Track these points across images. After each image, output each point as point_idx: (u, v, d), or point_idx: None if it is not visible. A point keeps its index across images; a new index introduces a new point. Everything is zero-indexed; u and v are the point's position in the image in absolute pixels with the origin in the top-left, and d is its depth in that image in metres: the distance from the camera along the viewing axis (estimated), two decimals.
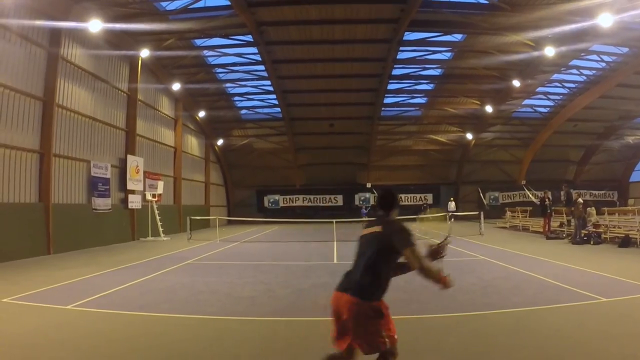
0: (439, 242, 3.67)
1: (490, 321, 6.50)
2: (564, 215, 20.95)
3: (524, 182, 41.73)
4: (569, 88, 32.52)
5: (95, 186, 19.82)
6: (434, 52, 27.43)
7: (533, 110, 37.10)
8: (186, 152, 32.51)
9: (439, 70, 30.69)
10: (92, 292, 8.90)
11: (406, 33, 24.45)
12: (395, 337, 3.63)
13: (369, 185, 42.55)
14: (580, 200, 18.51)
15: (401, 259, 3.53)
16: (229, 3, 20.78)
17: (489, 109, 32.95)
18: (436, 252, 3.65)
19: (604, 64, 28.28)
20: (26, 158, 15.96)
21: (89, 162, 19.62)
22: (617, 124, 37.75)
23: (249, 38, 24.58)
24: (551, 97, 34.40)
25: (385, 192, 3.97)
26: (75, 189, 18.83)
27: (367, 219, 35.33)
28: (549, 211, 20.81)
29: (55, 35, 17.11)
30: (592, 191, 41.37)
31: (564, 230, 20.43)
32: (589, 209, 18.46)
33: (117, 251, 17.47)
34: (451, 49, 27.27)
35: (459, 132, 39.48)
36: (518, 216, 28.53)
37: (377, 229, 3.64)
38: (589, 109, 33.42)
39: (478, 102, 34.10)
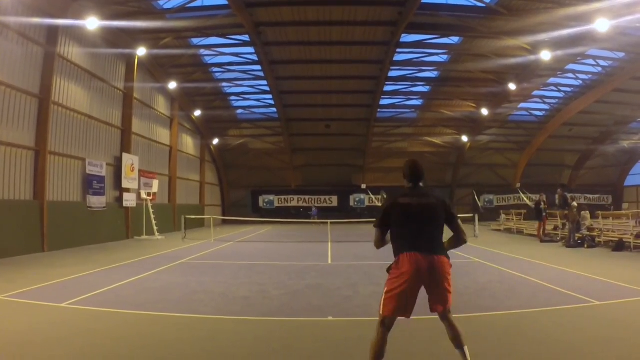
0: None
1: (484, 324, 6.51)
2: (559, 218, 21.02)
3: (518, 185, 41.88)
4: (564, 92, 32.72)
5: (91, 184, 19.77)
6: (431, 54, 27.50)
7: (529, 114, 37.29)
8: (182, 151, 32.47)
9: (436, 72, 30.77)
10: (86, 290, 8.87)
11: (403, 35, 24.50)
12: None
13: (364, 186, 42.62)
14: (575, 204, 18.57)
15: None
16: (226, 3, 20.78)
17: (484, 112, 33.10)
18: None
19: (600, 69, 28.46)
20: (21, 155, 15.92)
21: (85, 160, 19.59)
22: (613, 128, 37.95)
23: (246, 38, 24.59)
24: (547, 100, 34.58)
25: (417, 163, 4.37)
26: (70, 186, 18.78)
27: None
28: (544, 214, 20.86)
29: (53, 33, 17.09)
30: (586, 195, 41.59)
31: (558, 234, 20.50)
32: (583, 212, 18.53)
33: (111, 249, 17.42)
34: (448, 51, 27.34)
35: (454, 134, 39.59)
36: (512, 219, 28.61)
37: (431, 200, 4.13)
38: (584, 113, 33.62)
39: (474, 105, 34.21)
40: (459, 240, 4.22)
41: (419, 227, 4.01)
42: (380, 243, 4.27)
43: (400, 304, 3.91)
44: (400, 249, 4.02)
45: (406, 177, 4.33)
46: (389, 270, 4.07)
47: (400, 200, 4.13)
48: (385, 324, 3.97)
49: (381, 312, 3.98)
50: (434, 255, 3.94)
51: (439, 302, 3.99)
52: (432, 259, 3.92)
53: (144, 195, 24.18)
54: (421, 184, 4.31)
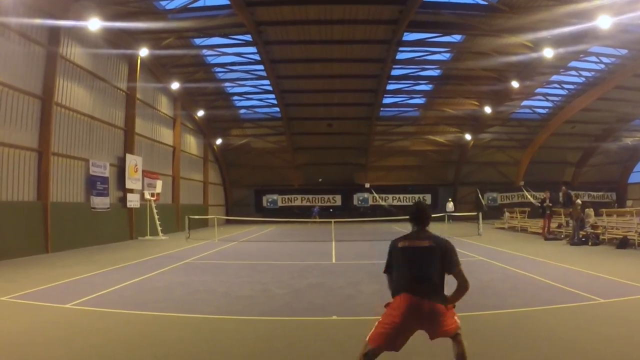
0: None
1: (488, 322, 6.51)
2: (563, 216, 20.97)
3: (522, 183, 41.79)
4: (567, 89, 32.56)
5: (94, 185, 19.79)
6: (433, 52, 27.43)
7: (531, 112, 37.14)
8: (185, 151, 32.49)
9: (438, 71, 30.70)
10: (90, 290, 8.91)
11: (405, 34, 24.46)
12: None
13: (367, 185, 42.61)
14: (579, 201, 18.54)
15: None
16: (228, 2, 20.75)
17: (487, 110, 32.98)
18: None
19: (602, 66, 28.35)
20: (25, 156, 15.94)
21: (88, 160, 19.60)
22: (615, 126, 37.80)
23: (247, 37, 24.58)
24: (550, 98, 34.43)
25: (422, 208, 4.25)
26: (73, 187, 18.80)
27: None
28: (548, 212, 20.78)
29: (55, 34, 17.07)
30: (590, 193, 41.49)
31: (562, 232, 20.46)
32: (587, 210, 18.48)
33: (115, 250, 17.46)
34: (450, 50, 27.28)
35: (457, 132, 39.49)
36: (516, 217, 28.54)
37: (428, 242, 3.98)
38: (587, 110, 33.50)
39: (476, 103, 34.13)
40: (459, 288, 4.01)
41: (413, 271, 3.93)
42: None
43: (387, 342, 3.78)
44: (395, 291, 3.98)
45: (411, 221, 4.26)
46: (386, 306, 4.00)
47: (399, 243, 4.10)
48: (368, 356, 3.78)
49: (367, 340, 3.81)
50: (426, 300, 3.80)
51: (442, 335, 3.92)
52: (423, 304, 3.79)
53: (147, 196, 24.19)
54: (427, 228, 4.20)
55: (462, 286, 3.97)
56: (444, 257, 3.95)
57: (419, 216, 4.18)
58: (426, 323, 3.85)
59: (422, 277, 3.89)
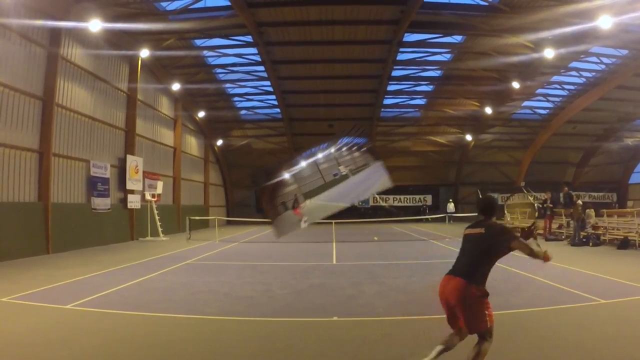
0: (529, 225, 4.52)
1: None
2: (564, 216, 20.94)
3: (523, 183, 41.72)
4: (568, 90, 32.51)
5: (95, 186, 19.80)
6: (434, 53, 27.44)
7: (532, 112, 37.07)
8: (185, 152, 32.49)
9: (439, 71, 30.70)
10: (91, 291, 8.90)
11: (406, 34, 24.49)
12: (493, 319, 4.27)
13: None
14: (580, 201, 18.52)
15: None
16: (229, 3, 20.79)
17: (488, 110, 32.98)
18: (529, 234, 4.46)
19: (603, 66, 28.30)
20: (25, 157, 15.95)
21: (89, 161, 19.61)
22: (616, 126, 37.72)
23: (248, 38, 24.59)
24: (550, 98, 34.39)
25: (486, 201, 4.77)
26: (74, 188, 18.81)
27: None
28: (549, 213, 20.74)
29: (55, 35, 17.09)
30: (591, 193, 41.39)
31: (563, 232, 20.43)
32: (588, 210, 18.46)
33: (116, 251, 17.46)
34: (451, 50, 27.28)
35: (458, 133, 39.47)
36: (517, 217, 28.48)
37: (480, 230, 4.32)
38: (588, 110, 33.41)
39: (477, 104, 34.12)
40: (528, 255, 4.22)
41: (460, 254, 4.39)
42: None
43: (449, 323, 4.35)
44: None
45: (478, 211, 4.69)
46: None
47: (465, 230, 4.53)
48: (451, 333, 4.34)
49: None
50: (453, 277, 4.20)
51: (466, 325, 4.20)
52: (450, 279, 4.21)
53: (148, 197, 24.19)
54: (494, 218, 4.56)
55: (526, 253, 4.17)
56: (494, 241, 4.18)
57: (481, 207, 4.61)
58: (452, 298, 4.12)
59: (464, 259, 4.30)
